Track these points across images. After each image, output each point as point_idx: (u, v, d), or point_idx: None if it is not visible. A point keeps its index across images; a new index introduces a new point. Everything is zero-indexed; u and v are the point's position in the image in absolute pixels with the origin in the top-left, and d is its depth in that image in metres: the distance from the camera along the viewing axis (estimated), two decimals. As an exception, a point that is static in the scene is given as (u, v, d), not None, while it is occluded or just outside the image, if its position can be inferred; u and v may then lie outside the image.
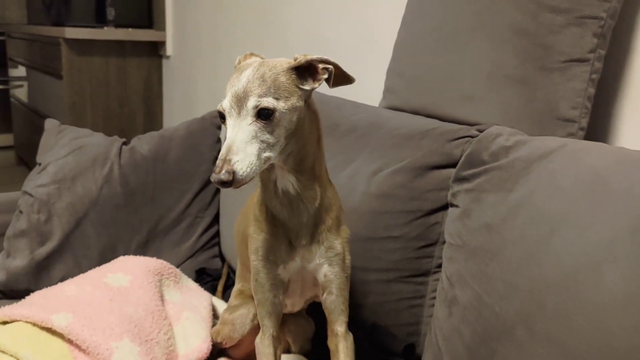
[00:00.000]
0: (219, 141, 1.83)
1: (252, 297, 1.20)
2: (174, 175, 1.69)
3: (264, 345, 0.99)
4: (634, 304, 0.82)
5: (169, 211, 1.66)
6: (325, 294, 0.99)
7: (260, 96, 0.83)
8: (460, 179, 1.12)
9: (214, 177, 0.79)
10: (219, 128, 1.84)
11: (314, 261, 0.97)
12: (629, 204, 0.89)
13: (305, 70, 0.89)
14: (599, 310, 0.85)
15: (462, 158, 1.14)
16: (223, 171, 0.79)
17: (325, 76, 0.89)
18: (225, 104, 0.85)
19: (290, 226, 0.95)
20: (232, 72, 0.90)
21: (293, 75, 0.88)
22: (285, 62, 0.89)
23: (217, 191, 1.76)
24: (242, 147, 0.81)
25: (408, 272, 1.21)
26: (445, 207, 1.18)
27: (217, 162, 0.81)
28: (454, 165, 1.19)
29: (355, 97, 1.71)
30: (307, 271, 0.98)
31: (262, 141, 0.83)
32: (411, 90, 1.52)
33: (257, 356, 1.00)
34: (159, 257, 1.45)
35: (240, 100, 0.83)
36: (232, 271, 1.64)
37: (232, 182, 0.79)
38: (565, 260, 0.90)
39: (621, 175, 0.93)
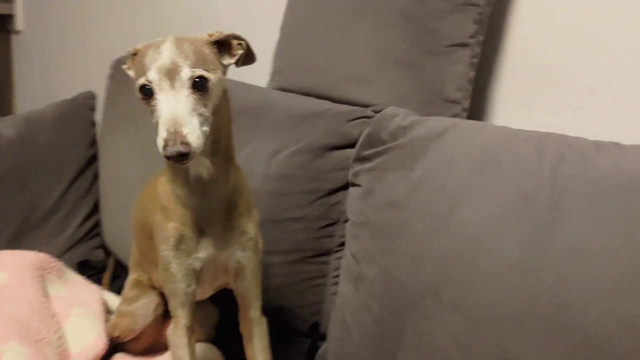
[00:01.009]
0: (93, 125, 1.71)
1: (151, 287, 1.15)
2: (46, 161, 1.56)
3: (177, 337, 0.94)
4: (527, 269, 0.90)
5: (43, 200, 1.52)
6: (238, 280, 0.97)
7: (191, 67, 0.79)
8: (361, 159, 1.15)
9: (169, 151, 0.74)
10: (93, 109, 1.72)
11: (227, 248, 0.94)
12: (517, 177, 0.97)
13: (221, 46, 0.86)
14: (497, 277, 0.92)
15: (362, 138, 1.17)
16: (178, 143, 0.74)
17: (241, 51, 0.87)
18: (153, 76, 0.79)
19: (201, 213, 0.91)
20: (140, 53, 0.84)
21: (214, 49, 0.85)
22: (201, 36, 0.85)
23: (95, 178, 1.65)
24: (187, 118, 0.76)
25: (311, 253, 1.23)
26: (345, 186, 1.21)
27: (165, 135, 0.75)
28: (352, 146, 1.21)
29: (241, 78, 1.67)
30: (220, 258, 0.95)
31: (200, 114, 0.79)
32: (300, 72, 1.52)
33: (171, 348, 0.95)
34: (34, 250, 1.33)
35: (170, 72, 0.78)
36: (118, 263, 1.55)
37: (189, 154, 0.75)
38: (466, 232, 0.96)
39: (508, 152, 1.01)
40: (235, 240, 0.94)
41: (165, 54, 0.80)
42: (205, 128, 0.79)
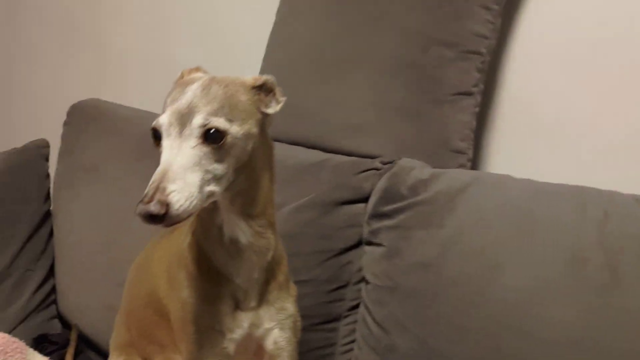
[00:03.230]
0: (48, 177, 1.52)
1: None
2: (-6, 221, 1.35)
3: None
4: (585, 337, 0.83)
5: (-11, 266, 1.31)
6: None
7: (209, 114, 0.68)
8: (379, 215, 1.05)
9: (140, 209, 0.62)
10: (46, 159, 1.53)
11: (262, 326, 0.81)
12: (560, 236, 0.90)
13: (262, 92, 0.75)
14: (553, 347, 0.84)
15: (378, 192, 1.08)
16: (154, 201, 0.61)
17: (285, 99, 0.76)
18: (163, 120, 0.68)
19: (238, 283, 0.78)
20: (173, 87, 0.73)
21: (256, 96, 0.74)
22: (243, 79, 0.74)
23: (50, 236, 1.45)
24: (181, 174, 0.64)
25: (318, 319, 1.10)
26: (356, 245, 1.10)
27: (147, 189, 0.63)
28: (363, 200, 1.11)
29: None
30: (254, 338, 0.81)
31: (207, 171, 0.67)
32: (288, 120, 1.41)
33: None
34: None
35: (182, 117, 0.67)
36: (80, 336, 1.35)
37: (165, 217, 0.62)
38: (512, 297, 0.88)
39: (544, 207, 0.95)
40: (273, 318, 0.81)
41: (188, 95, 0.69)
42: (214, 188, 0.68)
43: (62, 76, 2.06)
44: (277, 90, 0.78)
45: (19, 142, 1.56)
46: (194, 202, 0.64)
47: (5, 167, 1.42)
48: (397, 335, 0.95)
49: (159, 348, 0.88)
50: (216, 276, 0.77)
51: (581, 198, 0.95)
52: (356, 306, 1.11)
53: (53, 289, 1.42)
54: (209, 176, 0.67)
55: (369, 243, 1.06)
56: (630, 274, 0.83)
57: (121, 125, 1.51)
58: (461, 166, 1.24)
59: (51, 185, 1.52)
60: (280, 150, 1.29)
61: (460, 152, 1.24)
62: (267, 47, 1.51)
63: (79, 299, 1.38)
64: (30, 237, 1.39)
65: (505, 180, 1.04)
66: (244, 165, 0.72)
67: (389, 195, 1.06)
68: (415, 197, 1.02)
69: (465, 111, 1.25)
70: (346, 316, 1.11)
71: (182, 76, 0.78)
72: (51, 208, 1.49)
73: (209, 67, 1.77)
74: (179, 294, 0.79)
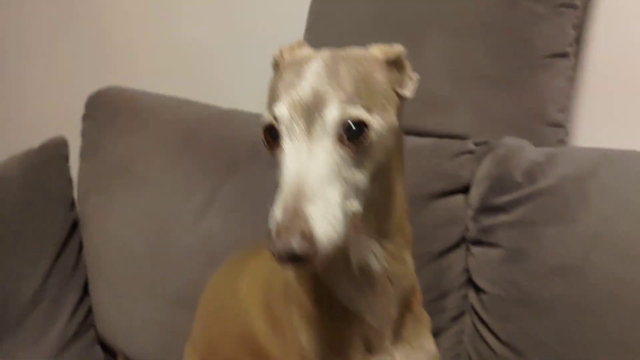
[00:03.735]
0: (71, 181, 1.33)
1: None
2: (15, 235, 1.17)
3: None
4: None
5: (18, 289, 1.13)
6: None
7: (345, 102, 0.51)
8: (490, 209, 0.87)
9: (278, 248, 0.44)
10: (67, 160, 1.34)
11: None
12: None
13: (395, 68, 0.59)
14: None
15: (485, 181, 0.89)
16: (296, 236, 0.44)
17: (418, 76, 0.58)
18: (282, 113, 0.51)
19: (369, 320, 0.60)
20: (278, 71, 0.57)
21: (391, 75, 0.57)
22: (370, 53, 0.58)
23: (80, 249, 1.27)
24: (321, 189, 0.48)
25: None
26: (457, 244, 0.93)
27: (280, 216, 0.46)
28: (461, 191, 0.94)
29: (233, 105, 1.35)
30: None
31: (347, 181, 0.50)
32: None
33: None
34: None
35: (308, 109, 0.51)
36: (129, 361, 1.18)
37: (312, 255, 0.45)
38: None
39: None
40: (411, 359, 0.63)
41: (309, 79, 0.52)
42: (354, 205, 0.51)
43: (64, 67, 1.85)
44: (408, 66, 0.60)
45: (27, 141, 1.36)
46: (340, 228, 0.47)
47: (24, 170, 1.23)
48: (534, 355, 0.78)
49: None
50: (341, 315, 0.60)
51: None
52: (458, 316, 0.94)
53: (90, 310, 1.24)
54: (349, 189, 0.50)
55: (478, 242, 0.89)
56: None
57: (149, 115, 1.32)
58: (560, 142, 1.06)
59: (74, 190, 1.33)
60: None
61: (558, 124, 1.06)
62: (311, 12, 1.32)
63: (121, 319, 1.20)
64: (60, 253, 1.21)
65: (636, 157, 0.86)
66: (380, 169, 0.54)
67: (499, 184, 0.87)
68: (535, 185, 0.84)
69: (561, 76, 1.07)
70: (448, 328, 0.94)
71: (281, 56, 0.60)
72: (77, 217, 1.30)
73: (221, 47, 1.57)
74: (293, 341, 0.61)
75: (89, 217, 1.28)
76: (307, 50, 0.60)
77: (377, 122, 0.52)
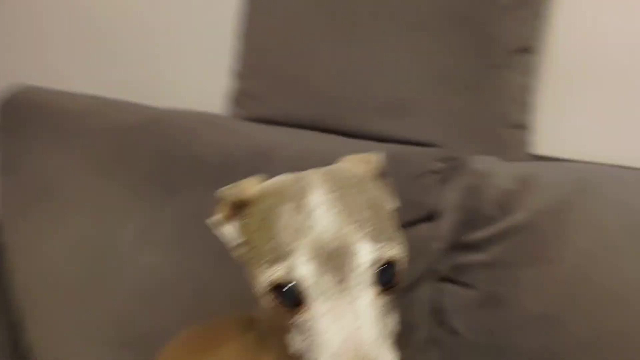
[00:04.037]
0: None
1: None
2: None
3: None
4: None
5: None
6: None
7: (371, 240, 0.45)
8: (463, 247, 0.80)
9: None
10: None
11: None
12: None
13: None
14: None
15: (454, 214, 0.82)
16: None
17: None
18: (306, 269, 0.43)
19: None
20: (259, 203, 0.48)
21: (381, 190, 0.52)
22: (357, 166, 0.51)
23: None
24: (379, 353, 0.42)
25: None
26: (421, 278, 0.85)
27: None
28: (427, 218, 0.86)
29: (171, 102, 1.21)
30: None
31: (389, 332, 0.46)
32: (290, 97, 1.13)
33: None
34: None
35: (337, 258, 0.43)
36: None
37: None
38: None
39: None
40: None
41: (323, 217, 0.44)
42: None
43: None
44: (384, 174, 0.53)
45: None
46: None
47: None
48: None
49: None
50: None
51: None
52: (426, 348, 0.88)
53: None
54: (390, 338, 0.45)
55: (451, 280, 0.82)
56: None
57: (72, 123, 1.16)
58: (522, 143, 1.00)
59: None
60: (291, 141, 1.02)
61: (520, 126, 1.00)
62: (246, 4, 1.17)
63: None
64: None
65: (613, 177, 0.80)
66: None
67: (471, 218, 0.80)
68: (509, 219, 0.77)
69: (524, 72, 0.99)
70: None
71: (242, 192, 0.51)
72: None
73: (157, 35, 1.40)
74: None
75: (11, 247, 1.14)
76: (285, 183, 0.49)
77: (400, 253, 0.46)
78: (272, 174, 0.96)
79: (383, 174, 0.54)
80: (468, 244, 0.79)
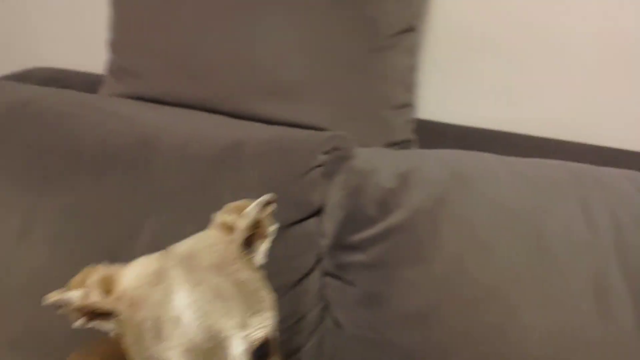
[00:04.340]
0: None
1: None
2: None
3: None
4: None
5: None
6: None
7: (242, 327, 0.46)
8: (347, 247, 0.82)
9: None
10: None
11: None
12: (573, 257, 0.75)
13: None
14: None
15: (337, 215, 0.83)
16: None
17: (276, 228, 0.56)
18: None
19: None
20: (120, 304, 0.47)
21: (245, 256, 0.52)
22: (217, 236, 0.52)
23: None
24: None
25: None
26: (311, 269, 0.88)
27: None
28: (315, 213, 0.87)
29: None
30: None
31: None
32: (173, 76, 1.08)
33: None
34: None
35: (212, 354, 0.44)
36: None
37: None
38: (536, 351, 0.73)
39: (549, 217, 0.78)
40: None
41: (186, 312, 0.44)
42: None
43: None
44: (266, 217, 0.56)
45: None
46: None
47: None
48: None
49: None
50: None
51: (578, 191, 0.79)
52: (315, 330, 0.92)
53: None
54: None
55: (334, 276, 0.85)
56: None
57: None
58: (408, 122, 1.03)
59: None
60: (173, 129, 0.99)
61: (405, 105, 1.02)
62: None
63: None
64: None
65: (485, 170, 0.84)
66: None
67: (353, 219, 0.82)
68: (389, 220, 0.80)
69: (409, 52, 1.00)
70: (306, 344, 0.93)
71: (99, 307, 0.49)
72: None
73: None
74: None
75: None
76: (133, 287, 0.47)
77: (270, 324, 0.47)
78: (156, 165, 0.95)
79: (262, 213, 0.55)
80: (350, 244, 0.82)
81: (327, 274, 0.86)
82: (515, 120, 1.06)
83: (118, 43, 1.12)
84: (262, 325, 0.46)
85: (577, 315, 0.72)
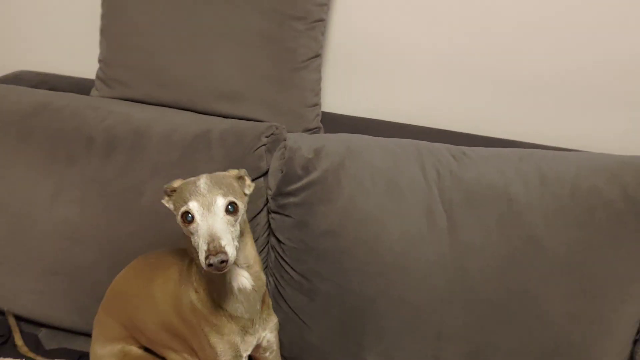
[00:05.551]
0: None
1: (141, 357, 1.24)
2: None
3: None
4: (444, 266, 1.31)
5: None
6: (267, 353, 1.19)
7: (225, 195, 0.95)
8: (284, 194, 1.35)
9: (212, 260, 0.89)
10: None
11: (260, 334, 1.14)
12: (415, 195, 1.32)
13: (240, 180, 1.05)
14: (425, 275, 1.30)
15: (278, 174, 1.36)
16: (219, 252, 0.89)
17: (254, 185, 1.07)
18: (193, 206, 0.94)
19: (247, 317, 1.08)
20: (179, 189, 1.00)
21: (240, 182, 1.04)
22: (229, 173, 1.04)
23: None
24: (224, 233, 0.92)
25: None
26: (261, 210, 1.40)
27: (206, 247, 0.90)
28: (262, 175, 1.39)
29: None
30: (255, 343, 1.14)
31: (232, 231, 0.95)
32: (155, 85, 1.54)
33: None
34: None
35: (207, 201, 0.94)
36: (18, 318, 1.48)
37: (227, 261, 0.90)
38: (396, 248, 1.29)
39: (401, 173, 1.34)
40: (265, 327, 1.14)
41: (204, 187, 0.95)
42: (236, 243, 0.96)
43: None
44: (247, 179, 1.06)
45: None
46: (234, 251, 0.92)
47: None
48: (318, 282, 1.34)
49: (174, 351, 1.16)
50: (231, 319, 1.06)
51: (419, 158, 1.36)
52: (265, 246, 1.44)
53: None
54: (234, 235, 0.95)
55: (277, 213, 1.38)
56: (460, 217, 1.30)
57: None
58: (317, 116, 1.56)
59: None
60: (160, 121, 1.45)
61: (315, 104, 1.55)
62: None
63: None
64: None
65: (367, 146, 1.39)
66: (241, 227, 1.00)
67: (287, 177, 1.35)
68: (309, 177, 1.34)
69: (316, 70, 1.53)
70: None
71: (172, 187, 1.02)
72: None
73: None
74: (206, 340, 1.07)
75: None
76: (191, 179, 1.00)
77: (240, 203, 0.97)
78: (150, 147, 1.41)
79: (242, 178, 1.07)
80: (286, 192, 1.35)
81: (272, 211, 1.39)
82: (387, 112, 1.62)
83: (108, 59, 1.55)
84: (234, 197, 0.96)
85: (415, 225, 1.30)
